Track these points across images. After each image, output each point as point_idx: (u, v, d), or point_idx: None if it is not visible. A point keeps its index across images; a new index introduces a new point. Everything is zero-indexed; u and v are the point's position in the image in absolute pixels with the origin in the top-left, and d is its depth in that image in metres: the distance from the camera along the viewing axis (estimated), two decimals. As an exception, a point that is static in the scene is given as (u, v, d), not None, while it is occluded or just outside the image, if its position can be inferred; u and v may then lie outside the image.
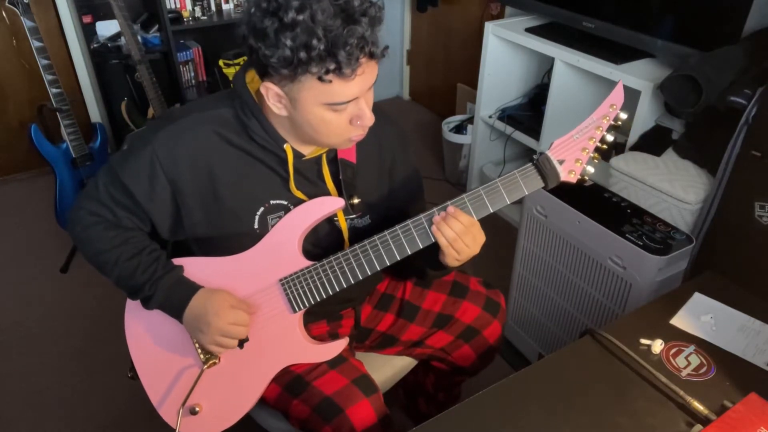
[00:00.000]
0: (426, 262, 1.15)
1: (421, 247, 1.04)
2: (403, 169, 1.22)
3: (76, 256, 2.42)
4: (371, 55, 0.92)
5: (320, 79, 0.90)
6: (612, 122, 0.99)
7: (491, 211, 1.02)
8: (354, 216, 1.16)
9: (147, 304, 1.11)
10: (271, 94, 0.97)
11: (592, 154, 1.00)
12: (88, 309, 2.21)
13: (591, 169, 1.01)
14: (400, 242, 1.03)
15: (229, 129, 1.05)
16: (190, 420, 1.16)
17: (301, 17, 0.86)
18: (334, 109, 0.96)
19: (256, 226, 1.09)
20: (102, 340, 2.06)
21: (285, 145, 1.05)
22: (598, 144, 1.00)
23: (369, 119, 1.00)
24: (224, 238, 1.10)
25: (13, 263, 2.47)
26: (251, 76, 1.05)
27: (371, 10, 0.91)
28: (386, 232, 1.04)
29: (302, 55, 0.87)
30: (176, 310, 1.10)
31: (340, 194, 1.12)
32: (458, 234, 1.00)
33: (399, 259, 1.05)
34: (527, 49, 2.38)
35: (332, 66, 0.88)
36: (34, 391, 1.90)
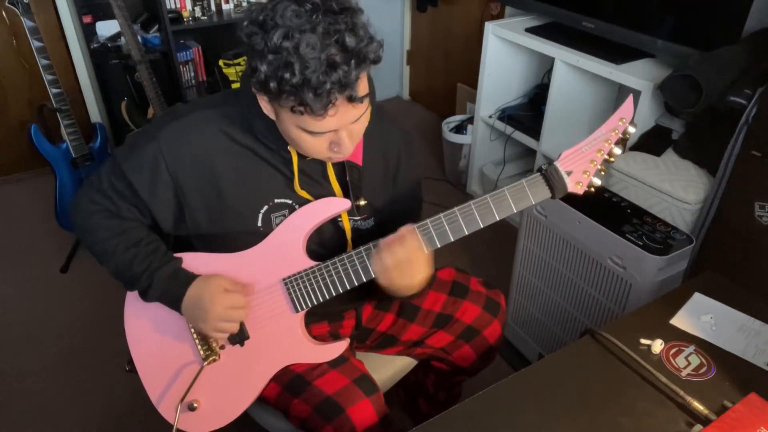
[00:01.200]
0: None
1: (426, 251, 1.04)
2: (406, 174, 1.21)
3: (76, 256, 2.42)
4: (350, 99, 0.88)
5: (292, 110, 0.89)
6: (620, 135, 0.99)
7: (497, 218, 1.02)
8: (358, 218, 1.16)
9: (145, 295, 1.11)
10: (261, 100, 0.97)
11: (599, 167, 1.01)
12: (88, 309, 2.21)
13: (597, 181, 1.01)
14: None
15: (234, 127, 1.05)
16: (188, 416, 1.17)
17: (285, 44, 0.83)
18: (310, 134, 0.94)
19: (259, 224, 1.09)
20: (102, 339, 2.07)
21: (289, 147, 1.05)
22: (606, 157, 1.00)
23: (346, 150, 0.97)
24: (227, 236, 1.10)
25: (13, 263, 2.47)
26: None
27: (367, 50, 0.86)
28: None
29: (273, 85, 0.85)
30: (174, 301, 1.10)
31: (345, 195, 1.12)
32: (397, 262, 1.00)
33: None
34: (527, 49, 2.39)
35: (303, 101, 0.86)
36: (33, 390, 1.90)
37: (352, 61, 0.85)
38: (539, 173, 1.00)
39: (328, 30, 0.84)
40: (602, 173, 1.01)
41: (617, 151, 1.00)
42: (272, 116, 0.99)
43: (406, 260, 1.00)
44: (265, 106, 0.98)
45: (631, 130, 0.99)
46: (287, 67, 0.83)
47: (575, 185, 1.00)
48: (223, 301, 1.06)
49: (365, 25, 0.88)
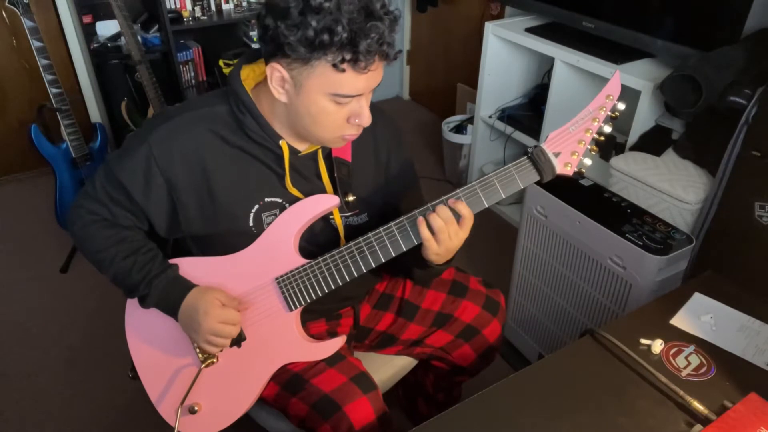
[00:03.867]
0: (413, 262, 1.14)
1: (416, 243, 1.03)
2: (397, 164, 1.22)
3: (76, 256, 2.42)
4: (386, 56, 0.94)
5: (335, 66, 0.91)
6: (609, 113, 0.97)
7: (486, 205, 1.01)
8: (350, 214, 1.16)
9: (143, 303, 1.12)
10: (276, 77, 0.97)
11: (589, 146, 0.99)
12: (88, 309, 2.21)
13: (588, 162, 0.99)
14: (395, 238, 1.03)
15: (224, 126, 1.05)
16: (189, 419, 1.17)
17: (327, 4, 0.88)
18: (337, 101, 0.96)
19: (251, 223, 1.09)
20: (102, 339, 2.06)
21: (281, 142, 1.05)
22: (596, 136, 0.98)
23: (367, 119, 1.01)
24: (220, 236, 1.10)
25: (13, 263, 2.47)
26: (246, 73, 1.05)
27: (389, 8, 0.93)
28: (381, 229, 1.03)
29: (325, 37, 0.88)
30: (171, 310, 1.11)
31: (335, 192, 1.12)
32: (445, 222, 0.99)
33: (394, 255, 1.04)
34: (527, 49, 2.38)
35: (349, 56, 0.90)
36: (34, 391, 1.90)
37: (387, 18, 0.92)
38: (526, 157, 0.99)
39: None
40: (593, 153, 1.00)
41: (607, 129, 0.98)
42: (284, 97, 0.99)
43: (452, 221, 1.00)
44: (278, 87, 0.98)
45: (620, 107, 0.97)
46: (336, 22, 0.88)
47: (564, 167, 0.99)
48: (218, 315, 1.06)
49: None
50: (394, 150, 1.21)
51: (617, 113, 0.98)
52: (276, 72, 0.96)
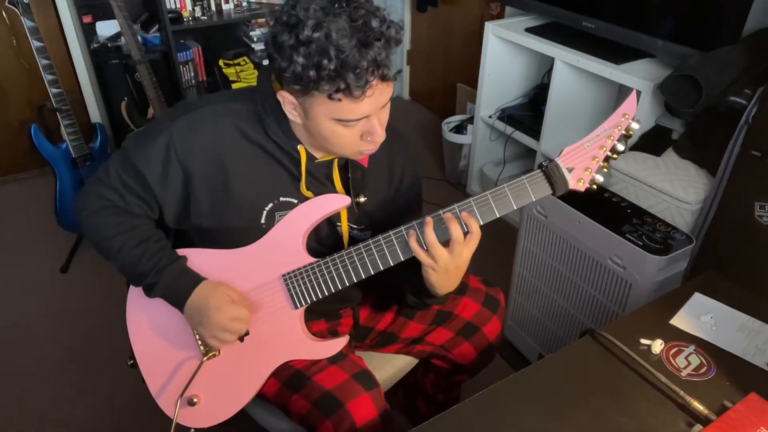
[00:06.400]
0: (410, 286, 1.14)
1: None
2: (408, 184, 1.22)
3: (76, 256, 2.42)
4: (383, 78, 0.92)
5: (330, 97, 0.91)
6: (624, 132, 0.98)
7: (497, 215, 1.01)
8: (356, 228, 1.16)
9: (149, 292, 1.12)
10: (287, 102, 0.98)
11: (601, 164, 0.99)
12: (88, 309, 2.21)
13: (600, 178, 0.99)
14: (404, 242, 1.03)
15: (246, 123, 1.06)
16: (187, 411, 1.17)
17: (316, 35, 0.86)
18: (344, 125, 0.96)
19: (263, 221, 1.10)
20: (102, 339, 2.07)
21: (299, 147, 1.06)
22: (609, 153, 0.99)
23: (380, 136, 1.00)
24: (228, 232, 1.10)
25: (13, 263, 2.47)
26: None
27: (390, 31, 0.91)
28: (391, 232, 1.04)
29: (312, 73, 0.88)
30: (178, 301, 1.11)
31: (347, 194, 1.12)
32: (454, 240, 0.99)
33: (403, 259, 1.04)
34: (527, 49, 2.39)
35: (342, 86, 0.89)
36: (34, 390, 1.90)
37: (382, 41, 0.89)
38: (540, 170, 1.00)
39: (353, 16, 0.88)
40: (605, 170, 1.00)
41: (620, 147, 0.98)
42: (298, 119, 1.00)
43: (458, 240, 0.99)
44: (291, 111, 0.99)
45: (635, 126, 0.97)
46: (323, 54, 0.86)
47: (576, 182, 0.99)
48: (228, 311, 1.06)
49: (382, 9, 0.93)
50: (408, 174, 1.21)
51: (632, 132, 0.98)
52: (286, 98, 0.97)
